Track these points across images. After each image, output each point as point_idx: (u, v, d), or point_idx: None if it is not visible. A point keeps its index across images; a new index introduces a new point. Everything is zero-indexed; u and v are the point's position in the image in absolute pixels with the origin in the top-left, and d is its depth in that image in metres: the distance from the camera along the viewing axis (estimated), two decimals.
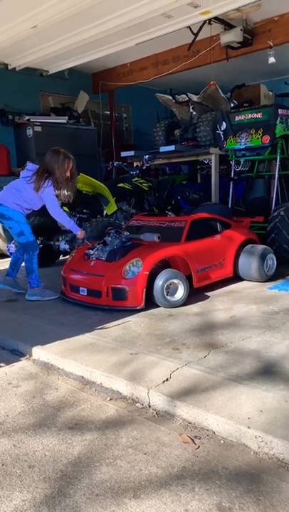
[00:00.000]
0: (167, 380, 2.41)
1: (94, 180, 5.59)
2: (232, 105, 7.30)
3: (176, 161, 7.59)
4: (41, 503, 1.65)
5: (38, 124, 7.88)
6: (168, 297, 3.76)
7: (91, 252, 4.22)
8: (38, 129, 7.84)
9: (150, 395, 2.30)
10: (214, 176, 6.71)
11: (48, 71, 8.46)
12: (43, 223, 5.53)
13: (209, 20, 6.30)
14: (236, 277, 4.53)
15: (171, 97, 7.35)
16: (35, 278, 4.29)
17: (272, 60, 6.65)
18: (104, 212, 5.82)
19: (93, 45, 7.07)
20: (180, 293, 3.81)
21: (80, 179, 5.51)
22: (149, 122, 8.69)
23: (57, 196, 4.27)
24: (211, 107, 7.27)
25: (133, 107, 10.37)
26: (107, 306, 3.78)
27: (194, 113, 7.29)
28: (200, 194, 7.20)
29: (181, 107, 7.46)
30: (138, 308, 3.71)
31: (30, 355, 3.05)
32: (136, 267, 3.72)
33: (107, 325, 3.40)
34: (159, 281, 3.69)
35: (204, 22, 6.35)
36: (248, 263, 4.42)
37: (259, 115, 5.64)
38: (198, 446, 1.95)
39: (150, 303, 3.77)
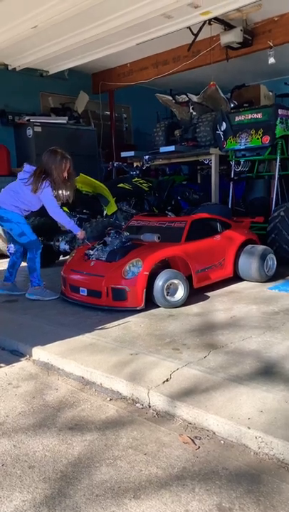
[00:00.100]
0: (167, 380, 2.41)
1: (94, 180, 5.59)
2: (232, 105, 7.30)
3: (176, 162, 7.59)
4: (41, 503, 1.65)
5: (38, 124, 7.88)
6: (168, 297, 3.76)
7: (91, 252, 4.22)
8: (38, 129, 7.85)
9: (150, 396, 2.30)
10: (214, 177, 6.71)
11: (48, 71, 8.46)
12: (42, 223, 5.53)
13: (209, 21, 6.30)
14: (236, 277, 4.53)
15: (171, 98, 7.36)
16: (37, 277, 4.29)
17: (272, 60, 6.65)
18: (104, 212, 5.82)
19: (93, 46, 7.07)
20: (180, 293, 3.80)
21: (80, 179, 5.51)
22: (149, 122, 8.69)
23: (56, 197, 4.27)
24: (211, 108, 7.28)
25: (133, 108, 10.37)
26: (107, 306, 3.78)
27: (194, 113, 7.30)
28: (200, 194, 7.21)
29: (181, 107, 7.46)
30: (138, 308, 3.71)
31: (30, 355, 3.05)
32: (136, 268, 3.72)
33: (107, 325, 3.40)
34: (159, 282, 3.69)
35: (204, 22, 6.35)
36: (248, 263, 4.42)
37: (259, 115, 5.64)
38: (199, 447, 1.95)
39: (150, 303, 3.77)
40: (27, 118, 7.94)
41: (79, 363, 2.73)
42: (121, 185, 6.23)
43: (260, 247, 4.53)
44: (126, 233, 4.39)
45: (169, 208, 6.84)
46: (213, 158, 6.68)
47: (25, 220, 4.33)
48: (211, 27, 6.50)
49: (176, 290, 3.81)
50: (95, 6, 5.38)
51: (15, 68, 8.00)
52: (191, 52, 7.31)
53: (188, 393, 2.25)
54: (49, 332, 3.30)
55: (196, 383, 2.36)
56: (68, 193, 4.84)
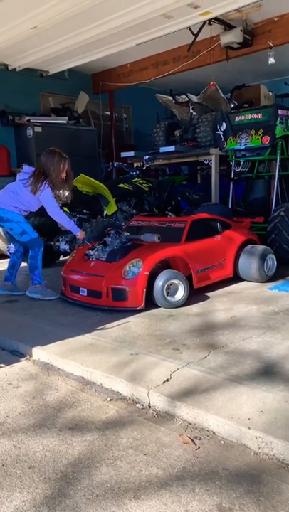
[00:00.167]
0: (167, 380, 2.41)
1: (94, 180, 5.59)
2: (232, 106, 7.31)
3: (176, 162, 7.59)
4: (41, 503, 1.65)
5: (38, 124, 7.88)
6: (168, 298, 3.76)
7: (91, 252, 4.22)
8: (38, 129, 7.85)
9: (150, 396, 2.30)
10: (214, 177, 6.71)
11: (48, 71, 8.46)
12: (43, 224, 5.53)
13: (209, 21, 6.30)
14: (236, 278, 4.53)
15: (171, 98, 7.36)
16: (38, 275, 4.29)
17: (272, 60, 6.65)
18: (105, 212, 5.82)
19: (93, 46, 7.07)
20: (180, 293, 3.80)
21: (80, 180, 5.52)
22: (149, 123, 8.69)
23: (56, 197, 4.28)
24: (211, 108, 7.28)
25: (133, 108, 10.37)
26: (107, 306, 3.78)
27: (194, 113, 7.30)
28: (200, 194, 7.20)
29: (181, 107, 7.46)
30: (138, 308, 3.71)
31: (31, 355, 3.05)
32: (136, 268, 3.72)
33: (107, 325, 3.40)
34: (159, 282, 3.69)
35: (204, 23, 6.35)
36: (248, 263, 4.42)
37: (259, 116, 5.64)
38: (199, 447, 1.95)
39: (150, 303, 3.77)
40: (27, 118, 7.94)
41: (79, 363, 2.73)
42: (121, 185, 6.23)
43: (260, 247, 4.53)
44: (126, 233, 4.39)
45: (169, 208, 6.84)
46: (213, 158, 6.68)
47: (25, 219, 4.33)
48: (211, 27, 6.50)
49: (176, 290, 3.81)
50: (94, 6, 5.38)
51: (15, 68, 8.00)
52: (191, 53, 7.31)
53: (188, 393, 2.25)
54: (49, 332, 3.30)
55: (196, 383, 2.36)
56: (68, 193, 4.84)
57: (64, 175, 4.27)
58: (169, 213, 6.60)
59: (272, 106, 5.98)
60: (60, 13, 5.55)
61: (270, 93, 7.86)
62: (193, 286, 4.04)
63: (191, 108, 7.28)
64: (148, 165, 6.71)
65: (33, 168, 4.28)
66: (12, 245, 4.64)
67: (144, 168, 6.69)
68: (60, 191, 4.34)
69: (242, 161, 6.06)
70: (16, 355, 3.11)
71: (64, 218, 4.33)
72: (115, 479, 1.76)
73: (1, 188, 4.47)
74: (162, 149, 7.10)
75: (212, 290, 4.26)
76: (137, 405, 2.33)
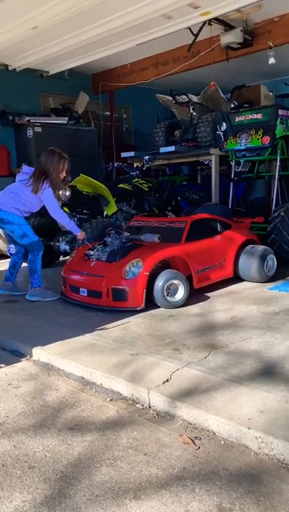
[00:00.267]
0: (167, 380, 2.41)
1: (94, 180, 5.59)
2: (232, 106, 7.31)
3: (177, 162, 7.59)
4: (41, 503, 1.65)
5: (39, 124, 7.88)
6: (168, 298, 3.75)
7: (91, 252, 4.22)
8: (39, 129, 7.85)
9: (150, 396, 2.30)
10: (214, 177, 6.72)
11: (48, 72, 8.47)
12: (43, 224, 5.53)
13: (209, 21, 6.30)
14: (236, 278, 4.53)
15: (171, 98, 7.36)
16: (38, 278, 4.29)
17: (272, 60, 6.65)
18: (105, 212, 5.82)
19: (93, 46, 7.07)
20: (180, 294, 3.80)
21: (80, 180, 5.52)
22: (149, 123, 8.69)
23: (56, 197, 4.28)
24: (211, 108, 7.28)
25: (133, 108, 10.37)
26: (107, 306, 3.78)
27: (194, 114, 7.30)
28: (200, 195, 7.21)
29: (181, 107, 7.46)
30: (138, 308, 3.70)
31: (31, 355, 3.05)
32: (136, 268, 3.72)
33: (108, 326, 3.40)
34: (159, 282, 3.69)
35: (204, 23, 6.36)
36: (249, 264, 4.42)
37: (259, 116, 5.64)
38: (199, 447, 1.95)
39: (150, 303, 3.76)
40: (27, 118, 7.94)
41: (79, 363, 2.73)
42: (121, 185, 6.23)
43: (261, 248, 4.53)
44: (126, 233, 4.39)
45: (169, 208, 6.84)
46: (213, 158, 6.68)
47: (26, 221, 4.33)
48: (211, 27, 6.50)
49: (176, 290, 3.81)
50: (95, 6, 5.39)
51: (15, 69, 8.00)
52: (191, 53, 7.31)
53: (188, 393, 2.25)
54: (49, 332, 3.30)
55: (197, 384, 2.35)
56: (68, 193, 4.85)
57: (64, 174, 4.28)
58: (169, 213, 6.60)
59: (273, 106, 5.98)
60: (61, 13, 5.55)
61: (270, 93, 7.87)
62: (194, 287, 4.04)
63: (191, 108, 7.29)
64: (148, 165, 6.71)
65: (33, 169, 4.28)
66: (12, 245, 4.64)
67: (144, 169, 6.69)
68: (61, 191, 4.34)
69: (242, 161, 6.06)
70: (16, 355, 3.11)
71: (65, 218, 4.33)
72: (115, 479, 1.76)
73: (1, 189, 4.47)
74: (162, 149, 7.10)
75: (212, 290, 4.26)
76: (137, 405, 2.33)
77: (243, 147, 5.82)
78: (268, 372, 2.46)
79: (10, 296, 4.43)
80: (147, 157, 6.64)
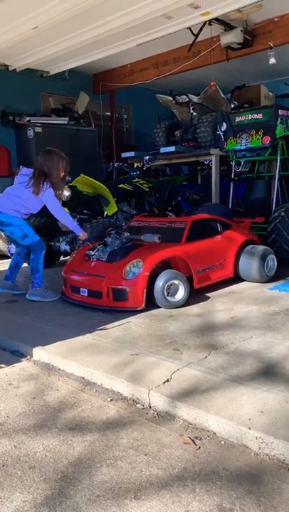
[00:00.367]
0: (168, 380, 2.41)
1: (94, 181, 5.60)
2: (232, 106, 7.31)
3: (177, 162, 7.59)
4: (42, 504, 1.65)
5: (39, 125, 7.89)
6: (168, 298, 3.76)
7: (92, 252, 4.22)
8: (39, 130, 7.85)
9: (151, 396, 2.30)
10: (214, 177, 6.72)
11: (48, 72, 8.47)
12: (43, 224, 5.54)
13: (209, 21, 6.30)
14: (237, 278, 4.53)
15: (171, 98, 7.36)
16: (39, 278, 4.29)
17: (272, 60, 6.66)
18: (105, 213, 5.82)
19: (94, 46, 7.07)
20: (180, 294, 3.80)
21: (81, 180, 5.53)
22: (150, 123, 8.70)
23: (57, 197, 4.28)
24: (211, 108, 7.28)
25: (133, 108, 10.37)
26: (107, 306, 3.78)
27: (195, 114, 7.30)
28: (200, 195, 7.21)
29: (181, 107, 7.47)
30: (138, 309, 3.71)
31: (31, 356, 3.05)
32: (136, 268, 3.72)
33: (108, 326, 3.40)
34: (159, 282, 3.69)
35: (204, 23, 6.36)
36: (249, 264, 4.42)
37: (259, 116, 5.65)
38: (199, 447, 1.95)
39: (151, 304, 3.76)
40: (27, 119, 7.95)
41: (79, 363, 2.73)
42: (121, 185, 6.24)
43: (261, 248, 4.53)
44: (126, 234, 4.39)
45: (170, 208, 6.85)
46: (213, 158, 6.69)
47: (26, 222, 4.33)
48: (211, 27, 6.50)
49: (176, 290, 3.81)
50: (95, 6, 5.39)
51: (15, 69, 8.00)
52: (191, 53, 7.32)
53: (188, 394, 2.25)
54: (50, 332, 3.30)
55: (197, 384, 2.36)
56: (68, 193, 4.85)
57: (63, 173, 4.28)
58: (170, 214, 6.60)
59: (273, 106, 5.99)
60: (61, 13, 5.55)
61: (271, 93, 7.88)
62: (194, 287, 4.04)
63: (191, 108, 7.29)
64: (148, 165, 6.72)
65: (32, 170, 4.27)
66: (13, 245, 4.64)
67: (144, 169, 6.70)
68: (60, 191, 4.34)
69: (242, 161, 6.07)
70: (16, 355, 3.11)
71: (67, 218, 4.34)
72: (116, 479, 1.76)
73: (1, 188, 4.47)
74: (162, 150, 7.11)
75: (212, 290, 4.26)
76: (138, 405, 2.33)
77: (243, 147, 5.82)
78: (268, 373, 2.46)
79: (10, 296, 4.43)
80: (147, 157, 6.64)
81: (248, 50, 6.87)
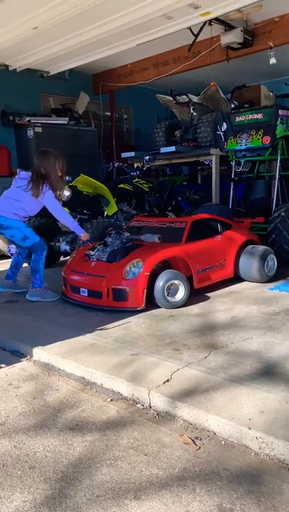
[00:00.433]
0: (168, 380, 2.41)
1: (94, 181, 5.60)
2: (232, 106, 7.31)
3: (177, 162, 7.60)
4: (42, 504, 1.65)
5: (39, 125, 7.89)
6: (168, 298, 3.75)
7: (92, 252, 4.22)
8: (39, 130, 7.85)
9: (151, 396, 2.30)
10: (215, 177, 6.72)
11: (48, 72, 8.47)
12: (43, 224, 5.54)
13: (210, 21, 6.31)
14: (237, 278, 4.52)
15: (171, 98, 7.36)
16: (40, 278, 4.29)
17: (273, 60, 6.66)
18: (105, 213, 5.82)
19: (94, 46, 7.08)
20: (181, 294, 3.80)
21: (81, 180, 5.52)
22: (150, 123, 8.70)
23: (57, 197, 4.28)
24: (211, 108, 7.28)
25: (133, 108, 10.37)
26: (107, 306, 3.78)
27: (195, 114, 7.30)
28: (200, 195, 7.21)
29: (181, 107, 7.47)
30: (139, 309, 3.70)
31: (31, 356, 3.05)
32: (136, 268, 3.72)
33: (108, 326, 3.40)
34: (159, 282, 3.69)
35: (205, 23, 6.36)
36: (249, 264, 4.42)
37: (259, 116, 5.65)
38: (199, 447, 1.95)
39: (151, 304, 3.76)
40: (28, 119, 7.95)
41: (80, 363, 2.73)
42: (121, 185, 6.24)
43: (261, 248, 4.53)
44: (126, 234, 4.39)
45: (170, 208, 6.85)
46: (213, 158, 6.69)
47: (25, 224, 4.33)
48: (211, 27, 6.50)
49: (176, 290, 3.81)
50: (95, 6, 5.39)
51: (15, 69, 8.01)
52: (191, 53, 7.32)
53: (188, 394, 2.25)
54: (50, 332, 3.30)
55: (197, 384, 2.35)
56: (68, 193, 4.84)
57: (60, 174, 4.27)
58: (170, 214, 6.60)
59: (273, 106, 5.99)
60: (61, 13, 5.55)
61: (271, 93, 7.87)
62: (194, 287, 4.04)
63: (191, 108, 7.29)
64: (148, 165, 6.72)
65: (30, 173, 4.25)
66: (13, 246, 4.64)
67: (144, 169, 6.70)
68: (60, 191, 4.34)
69: (242, 161, 6.06)
70: (16, 355, 3.11)
71: (68, 219, 4.34)
72: (116, 479, 1.76)
73: (2, 188, 4.46)
74: (163, 150, 7.11)
75: (212, 290, 4.26)
76: (138, 406, 2.33)
77: (243, 147, 5.82)
78: (268, 373, 2.46)
79: (10, 296, 4.43)
80: (148, 157, 6.64)
81: (248, 50, 6.87)
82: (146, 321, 3.49)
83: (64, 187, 4.38)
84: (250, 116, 5.73)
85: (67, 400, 2.44)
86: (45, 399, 2.46)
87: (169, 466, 1.83)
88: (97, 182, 5.62)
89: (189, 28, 6.55)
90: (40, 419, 2.25)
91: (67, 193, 5.20)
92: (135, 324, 3.41)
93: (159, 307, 3.78)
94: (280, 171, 5.72)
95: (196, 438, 2.01)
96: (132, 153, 7.67)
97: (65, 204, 5.25)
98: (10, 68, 7.99)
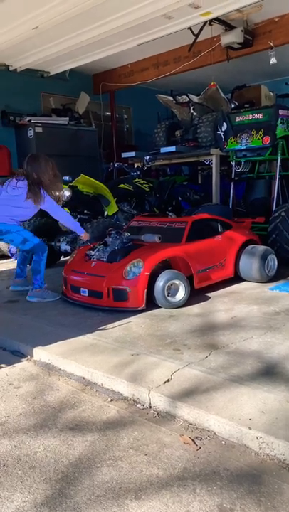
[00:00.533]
0: (168, 380, 2.41)
1: (95, 181, 5.60)
2: (233, 106, 7.31)
3: (177, 162, 7.59)
4: (42, 504, 1.65)
5: (39, 125, 7.89)
6: (169, 298, 3.75)
7: (92, 252, 4.22)
8: (39, 130, 7.85)
9: (151, 396, 2.30)
10: (215, 177, 6.72)
11: (49, 72, 8.47)
12: (43, 224, 5.54)
13: (210, 21, 6.31)
14: (237, 278, 4.52)
15: (171, 98, 7.36)
16: (40, 279, 4.29)
17: (273, 60, 6.66)
18: (105, 213, 5.83)
19: (94, 46, 7.08)
20: (181, 294, 3.80)
21: (81, 180, 5.53)
22: (150, 123, 8.70)
23: (56, 197, 4.29)
24: (211, 108, 7.28)
25: (134, 108, 10.37)
26: (108, 306, 3.78)
27: (195, 114, 7.30)
28: (201, 195, 7.21)
29: (181, 107, 7.47)
30: (139, 309, 3.70)
31: (31, 356, 3.05)
32: (137, 268, 3.72)
33: (108, 326, 3.40)
34: (160, 282, 3.69)
35: (205, 23, 6.36)
36: (249, 264, 4.42)
37: (260, 116, 5.64)
38: (200, 447, 1.95)
39: (151, 304, 3.76)
40: (28, 119, 7.95)
41: (80, 363, 2.73)
42: (122, 185, 6.24)
43: (261, 248, 4.53)
44: (127, 234, 4.39)
45: (170, 208, 6.85)
46: (213, 158, 6.68)
47: (23, 227, 4.35)
48: (211, 27, 6.50)
49: (177, 290, 3.81)
50: (95, 6, 5.39)
51: (16, 69, 8.01)
52: (191, 53, 7.32)
53: (189, 394, 2.25)
54: (50, 332, 3.30)
55: (197, 384, 2.35)
56: (69, 193, 4.84)
57: (53, 176, 4.28)
58: (170, 214, 6.60)
59: (273, 106, 5.98)
60: (61, 13, 5.55)
61: (271, 93, 7.87)
62: (194, 287, 4.04)
63: (191, 108, 7.29)
64: (149, 165, 6.72)
65: (25, 181, 4.21)
66: (13, 246, 4.65)
67: (144, 169, 6.70)
68: (60, 192, 4.35)
69: (243, 161, 6.06)
70: (16, 355, 3.11)
71: (69, 219, 4.37)
72: (116, 480, 1.76)
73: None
74: (163, 150, 7.11)
75: (213, 290, 4.26)
76: (138, 406, 2.33)
77: (243, 147, 5.81)
78: (268, 373, 2.46)
79: (10, 296, 4.43)
80: (148, 157, 6.64)
81: (248, 50, 6.87)
82: (146, 321, 3.49)
83: (60, 185, 4.38)
84: (251, 116, 5.73)
85: (67, 399, 2.44)
86: (46, 399, 2.46)
87: (169, 466, 1.83)
88: (97, 182, 5.62)
89: (189, 28, 6.55)
90: (41, 419, 2.25)
91: (67, 193, 5.21)
92: (135, 324, 3.41)
93: (160, 307, 3.78)
94: (280, 171, 5.71)
95: (197, 438, 2.01)
96: (133, 153, 7.67)
97: (65, 204, 5.25)
98: (10, 68, 7.99)
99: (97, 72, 9.17)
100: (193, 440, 1.99)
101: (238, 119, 5.87)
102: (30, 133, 7.85)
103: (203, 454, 1.90)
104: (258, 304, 3.78)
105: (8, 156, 7.64)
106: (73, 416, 2.26)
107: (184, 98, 7.27)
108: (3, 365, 2.95)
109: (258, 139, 5.61)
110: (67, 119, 8.38)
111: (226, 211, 5.44)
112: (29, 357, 3.05)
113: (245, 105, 7.09)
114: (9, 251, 5.55)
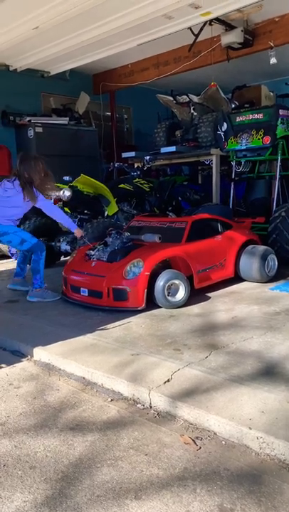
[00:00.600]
0: (168, 380, 2.41)
1: (95, 181, 5.60)
2: (233, 106, 7.31)
3: (177, 162, 7.59)
4: (42, 504, 1.65)
5: (40, 125, 7.89)
6: (169, 298, 3.75)
7: (92, 252, 4.22)
8: (40, 130, 7.85)
9: (151, 396, 2.30)
10: (215, 177, 6.72)
11: (49, 72, 8.47)
12: (43, 224, 5.54)
13: (210, 21, 6.30)
14: (237, 278, 4.52)
15: (172, 98, 7.36)
16: (40, 279, 4.30)
17: (273, 60, 6.65)
18: (106, 213, 5.82)
19: (94, 46, 7.08)
20: (181, 294, 3.80)
21: (81, 180, 5.53)
22: (150, 123, 8.70)
23: (56, 197, 4.30)
24: (211, 108, 7.28)
25: (134, 108, 10.37)
26: (108, 306, 3.78)
27: (195, 114, 7.30)
28: (201, 195, 7.21)
29: (182, 107, 7.47)
30: (139, 308, 3.70)
31: (32, 356, 3.05)
32: (137, 268, 3.72)
33: (108, 326, 3.40)
34: (160, 282, 3.69)
35: (205, 23, 6.36)
36: (249, 264, 4.42)
37: (260, 116, 5.65)
38: (200, 447, 1.95)
39: (151, 303, 3.76)
40: (28, 119, 7.95)
41: (80, 363, 2.73)
42: (122, 185, 6.24)
43: (261, 248, 4.53)
44: (127, 234, 4.39)
45: (170, 208, 6.85)
46: (214, 158, 6.68)
47: (20, 228, 4.36)
48: (211, 27, 6.50)
49: (177, 290, 3.81)
50: (95, 6, 5.39)
51: (16, 69, 8.01)
52: (191, 53, 7.31)
53: (189, 394, 2.25)
54: (50, 332, 3.30)
55: (197, 384, 2.35)
56: (69, 193, 4.85)
57: (43, 174, 4.29)
58: (170, 213, 6.60)
59: (273, 106, 5.98)
60: (61, 13, 5.55)
61: (271, 93, 7.87)
62: (194, 287, 4.04)
63: (191, 108, 7.29)
64: (149, 165, 6.72)
65: (17, 181, 4.23)
66: (12, 247, 4.65)
67: (144, 169, 6.70)
68: (60, 192, 4.36)
69: (243, 161, 6.06)
70: (17, 355, 3.11)
71: (61, 215, 4.38)
72: (116, 480, 1.76)
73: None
74: (163, 150, 7.11)
75: (213, 290, 4.26)
76: (138, 406, 2.33)
77: (243, 147, 5.82)
78: (269, 373, 2.46)
79: (11, 296, 4.43)
80: (148, 157, 6.64)
81: (248, 50, 6.87)
82: (146, 320, 3.49)
83: (53, 184, 4.39)
84: (251, 116, 5.73)
85: (67, 399, 2.44)
86: (46, 399, 2.46)
87: (169, 466, 1.83)
88: (97, 182, 5.62)
89: (190, 28, 6.55)
90: (41, 419, 2.25)
91: (67, 193, 5.21)
92: (136, 324, 3.41)
93: (160, 307, 3.78)
94: (280, 171, 5.72)
95: (197, 438, 2.01)
96: (133, 153, 7.67)
97: (65, 204, 5.25)
98: (10, 68, 7.99)
99: (97, 72, 9.17)
100: (193, 440, 1.99)
101: (238, 119, 5.87)
102: (31, 133, 7.85)
103: (204, 454, 1.90)
104: (258, 304, 3.78)
105: (8, 156, 7.64)
106: (73, 416, 2.26)
107: (184, 98, 7.27)
108: (3, 365, 2.95)
109: (258, 139, 5.61)
110: (68, 119, 8.38)
111: (226, 211, 5.44)
112: (29, 357, 3.05)
113: (246, 105, 7.09)
114: (9, 251, 5.55)
